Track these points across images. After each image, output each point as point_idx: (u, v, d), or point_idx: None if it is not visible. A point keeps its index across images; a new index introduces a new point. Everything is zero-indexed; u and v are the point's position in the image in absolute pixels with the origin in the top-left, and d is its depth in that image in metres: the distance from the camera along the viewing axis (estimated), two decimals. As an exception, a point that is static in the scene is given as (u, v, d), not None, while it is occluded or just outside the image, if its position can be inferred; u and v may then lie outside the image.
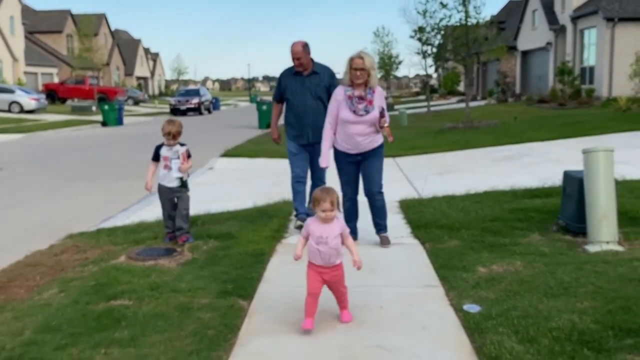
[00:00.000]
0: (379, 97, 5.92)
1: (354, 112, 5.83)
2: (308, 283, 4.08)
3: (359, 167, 6.15)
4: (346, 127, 5.93)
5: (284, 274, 5.45)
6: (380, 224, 6.29)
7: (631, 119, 17.19)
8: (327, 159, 6.16)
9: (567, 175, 6.57)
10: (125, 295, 4.90)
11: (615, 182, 6.08)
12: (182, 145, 6.33)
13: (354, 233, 5.94)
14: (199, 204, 7.85)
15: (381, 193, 6.21)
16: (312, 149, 6.86)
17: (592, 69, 28.72)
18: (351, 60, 5.80)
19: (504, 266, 5.29)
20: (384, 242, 6.17)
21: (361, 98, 5.83)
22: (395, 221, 7.07)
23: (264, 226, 7.06)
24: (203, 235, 6.67)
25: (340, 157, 6.15)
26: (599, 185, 5.88)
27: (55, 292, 5.09)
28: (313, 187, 6.81)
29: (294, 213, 7.18)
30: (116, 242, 6.72)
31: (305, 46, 6.75)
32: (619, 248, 5.69)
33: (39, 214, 9.30)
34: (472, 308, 4.39)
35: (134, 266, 5.73)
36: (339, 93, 5.99)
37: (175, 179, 6.30)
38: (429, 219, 6.94)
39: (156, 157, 6.37)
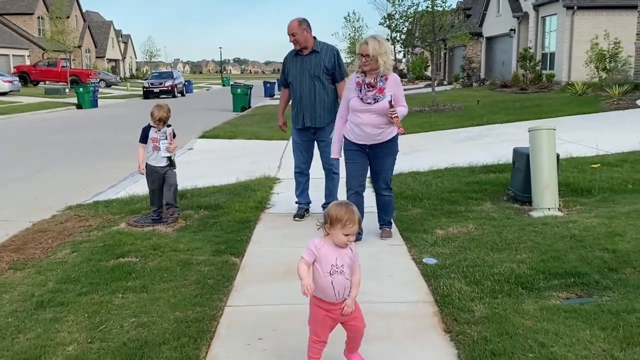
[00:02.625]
0: (393, 85, 5.40)
1: (362, 99, 5.38)
2: (314, 326, 3.16)
3: (369, 158, 5.65)
4: (355, 116, 5.47)
5: (269, 237, 6.10)
6: (384, 219, 5.96)
7: (585, 102, 17.92)
8: (338, 150, 5.79)
9: (516, 151, 7.24)
10: (132, 254, 5.48)
11: (557, 156, 6.84)
12: (168, 126, 6.46)
13: (359, 234, 5.40)
14: (185, 180, 8.40)
15: (389, 189, 5.83)
16: (314, 135, 6.59)
17: (552, 55, 29.22)
18: (359, 45, 5.43)
19: (458, 228, 5.98)
20: (385, 235, 5.87)
21: (371, 85, 5.36)
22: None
23: (248, 198, 7.64)
24: (193, 206, 7.22)
25: (347, 145, 5.66)
26: (542, 160, 6.55)
27: (69, 252, 5.66)
28: (326, 177, 6.72)
29: (296, 201, 6.90)
30: (114, 212, 7.23)
31: (302, 22, 6.33)
32: (559, 213, 6.40)
33: (31, 190, 9.60)
34: (429, 261, 5.09)
35: (134, 231, 6.31)
36: (351, 79, 5.58)
37: (163, 158, 6.38)
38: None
39: (144, 139, 6.42)
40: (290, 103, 6.82)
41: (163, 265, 5.18)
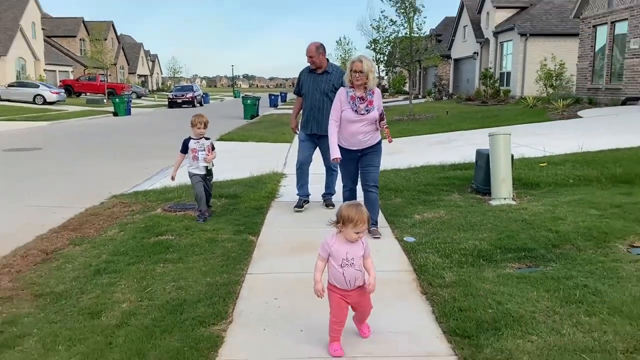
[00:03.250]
0: (378, 98, 5.37)
1: (356, 111, 5.27)
2: (332, 309, 3.09)
3: (360, 159, 5.55)
4: (349, 125, 5.34)
5: (279, 220, 6.21)
6: (372, 219, 5.38)
7: (535, 113, 17.98)
8: (337, 151, 5.48)
9: (479, 152, 7.32)
10: (168, 233, 5.58)
11: (512, 156, 6.98)
12: (207, 139, 6.13)
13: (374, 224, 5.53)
14: None
15: (376, 187, 5.63)
16: (319, 141, 6.56)
17: (508, 74, 29.43)
18: (352, 63, 5.29)
19: (432, 214, 6.11)
20: (374, 234, 5.44)
21: (362, 99, 5.27)
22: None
23: (260, 189, 7.74)
24: (216, 196, 7.24)
25: (342, 153, 5.47)
26: (499, 159, 6.65)
27: (117, 232, 5.75)
28: (327, 173, 6.77)
29: (296, 193, 6.83)
30: (151, 200, 7.27)
31: (319, 47, 6.38)
32: (513, 202, 6.50)
33: (80, 182, 9.56)
34: (409, 239, 5.22)
35: (169, 215, 6.39)
36: (342, 93, 5.40)
37: (202, 167, 6.07)
38: (381, 185, 7.58)
39: (184, 150, 6.10)
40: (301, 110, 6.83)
41: (194, 242, 5.28)
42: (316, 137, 6.57)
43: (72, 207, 7.14)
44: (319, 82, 6.45)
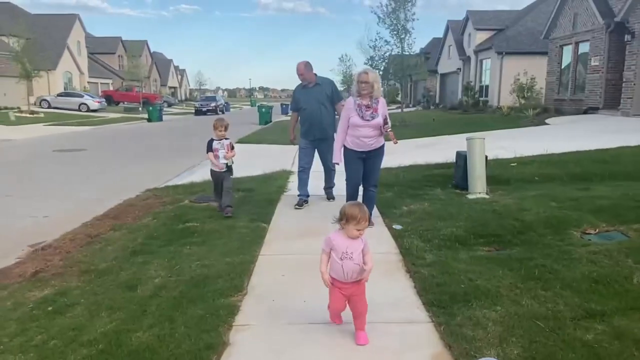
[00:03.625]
0: (382, 106, 5.23)
1: (362, 117, 5.15)
2: (331, 300, 3.01)
3: (364, 162, 5.40)
4: (356, 130, 5.22)
5: (288, 212, 6.23)
6: (368, 211, 5.62)
7: (509, 121, 17.93)
8: (339, 156, 5.45)
9: (458, 153, 7.34)
10: (194, 221, 5.66)
11: (486, 157, 7.02)
12: (226, 139, 6.02)
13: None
14: None
15: (375, 186, 5.56)
16: (318, 144, 6.49)
17: (487, 86, 29.25)
18: (358, 75, 5.26)
19: (417, 205, 6.13)
20: (369, 224, 5.27)
21: (368, 107, 5.15)
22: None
23: (272, 184, 7.84)
24: (236, 189, 7.38)
25: (349, 153, 5.37)
26: (475, 159, 6.68)
27: (150, 219, 5.86)
28: (326, 172, 6.67)
29: (297, 194, 6.64)
30: (180, 193, 7.37)
31: (307, 65, 6.36)
32: (486, 196, 6.50)
33: (119, 178, 9.63)
34: (397, 227, 5.28)
35: (195, 206, 6.49)
36: (349, 102, 5.27)
37: (222, 164, 5.91)
38: None
39: (210, 149, 5.94)
40: (298, 122, 6.69)
41: (215, 228, 5.36)
42: (317, 142, 6.49)
43: (112, 199, 7.20)
44: (313, 94, 6.37)
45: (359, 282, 2.93)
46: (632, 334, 2.70)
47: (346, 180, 5.56)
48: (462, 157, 7.15)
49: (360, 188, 5.58)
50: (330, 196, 6.80)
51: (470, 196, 6.58)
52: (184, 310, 3.31)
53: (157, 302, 3.44)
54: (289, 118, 6.79)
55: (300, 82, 6.48)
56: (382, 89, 5.43)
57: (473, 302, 3.27)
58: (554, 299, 3.23)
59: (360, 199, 5.49)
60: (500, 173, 7.91)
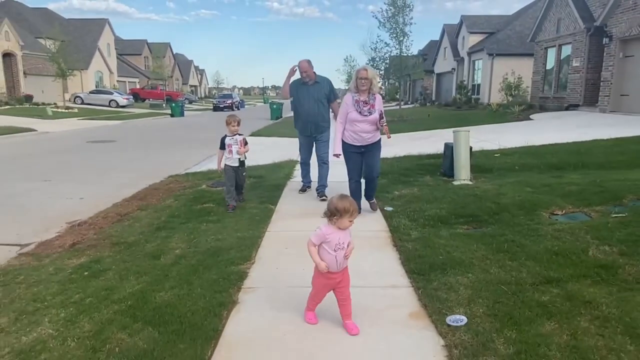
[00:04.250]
0: (379, 102, 5.07)
1: (360, 112, 4.99)
2: (314, 289, 2.88)
3: (362, 156, 5.23)
4: (353, 125, 5.05)
5: (292, 196, 6.38)
6: (371, 195, 5.49)
7: (497, 116, 17.90)
8: (339, 148, 5.20)
9: (446, 145, 7.42)
10: (210, 202, 5.83)
11: (470, 148, 7.11)
12: (240, 135, 5.71)
13: (359, 208, 5.09)
14: None
15: (377, 177, 5.42)
16: (314, 139, 6.27)
17: (478, 85, 29.08)
18: (357, 72, 5.05)
19: (408, 190, 6.26)
20: (373, 207, 5.47)
21: (365, 102, 4.98)
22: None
23: (279, 172, 7.98)
24: (248, 176, 7.50)
25: (348, 148, 5.18)
26: (460, 150, 6.80)
27: (172, 201, 6.02)
28: (320, 166, 6.31)
29: (301, 180, 6.65)
30: (199, 179, 7.54)
31: (309, 62, 6.07)
32: (470, 183, 6.60)
33: (145, 166, 9.76)
34: (388, 208, 5.41)
35: (212, 190, 6.65)
36: (348, 98, 5.08)
37: (235, 159, 5.60)
38: None
39: (222, 146, 5.63)
40: (293, 113, 6.46)
41: (229, 209, 5.55)
42: (312, 138, 6.26)
43: (139, 184, 7.37)
44: (312, 92, 6.07)
45: (345, 269, 2.84)
46: (582, 296, 2.86)
47: (348, 175, 5.35)
48: (449, 148, 7.25)
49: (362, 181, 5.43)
50: (322, 194, 6.18)
51: (455, 182, 6.70)
52: (200, 275, 3.51)
53: (177, 269, 3.64)
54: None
55: (299, 78, 6.14)
56: (379, 85, 5.23)
57: (448, 271, 3.43)
58: (518, 268, 3.39)
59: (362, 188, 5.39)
60: (484, 162, 7.99)
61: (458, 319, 2.75)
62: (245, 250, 4.05)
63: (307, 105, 6.09)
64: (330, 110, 6.25)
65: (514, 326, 2.60)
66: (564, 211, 4.76)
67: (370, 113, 5.00)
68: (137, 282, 3.40)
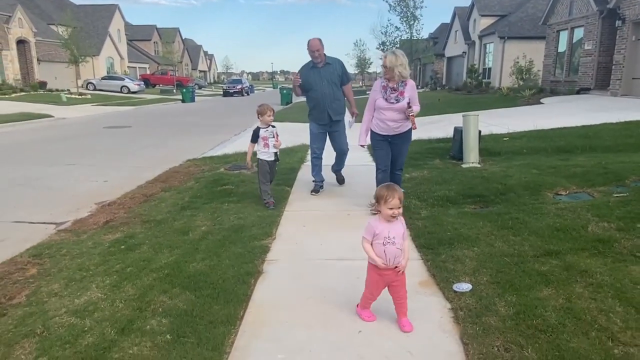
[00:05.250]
0: (410, 89, 4.67)
1: (386, 100, 4.66)
2: (368, 286, 2.73)
3: (390, 145, 4.87)
4: (380, 112, 4.75)
5: (307, 178, 6.50)
6: None
7: (508, 100, 17.88)
8: (364, 139, 4.94)
9: (455, 129, 7.64)
10: (229, 184, 6.11)
11: (479, 132, 7.32)
12: (273, 126, 5.17)
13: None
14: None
15: (401, 170, 5.10)
16: (330, 128, 5.72)
17: (489, 69, 28.94)
18: (383, 57, 4.72)
19: (418, 173, 6.50)
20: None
21: (394, 89, 4.63)
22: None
23: (293, 156, 8.25)
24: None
25: (375, 136, 4.89)
26: (469, 133, 7.00)
27: (193, 183, 6.32)
28: (336, 156, 5.96)
29: (312, 179, 6.01)
30: (216, 162, 7.83)
31: (321, 41, 5.50)
32: (478, 165, 6.83)
33: (162, 150, 10.06)
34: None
35: (229, 173, 6.94)
36: (377, 84, 4.82)
37: (272, 153, 5.14)
38: None
39: (255, 139, 5.11)
40: (307, 102, 5.84)
41: (247, 190, 5.82)
42: (328, 126, 5.71)
43: (159, 168, 7.68)
44: (324, 74, 5.51)
45: (399, 270, 2.65)
46: (579, 266, 3.13)
47: (376, 165, 5.05)
48: (458, 132, 7.46)
49: None
50: (340, 178, 6.09)
51: (464, 165, 6.92)
52: (227, 248, 3.82)
53: (205, 243, 3.96)
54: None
55: (310, 61, 5.59)
56: (409, 70, 4.71)
57: (455, 245, 3.71)
58: (521, 242, 3.65)
59: None
60: (493, 146, 8.19)
61: (464, 286, 3.04)
62: (266, 227, 4.36)
63: (320, 89, 5.52)
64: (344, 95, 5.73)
65: (514, 292, 2.88)
66: (567, 191, 4.99)
67: (398, 101, 4.63)
68: (171, 254, 3.73)
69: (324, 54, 5.55)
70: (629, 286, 2.80)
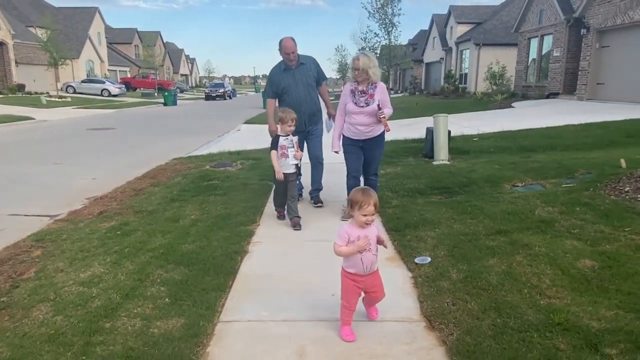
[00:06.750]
0: (380, 92, 4.50)
1: (356, 103, 4.49)
2: (344, 294, 2.57)
3: (362, 151, 4.68)
4: (350, 117, 4.56)
5: None
6: None
7: (481, 104, 18.62)
8: (337, 144, 4.74)
9: (427, 129, 8.15)
10: (215, 179, 6.46)
11: (449, 131, 7.84)
12: (294, 135, 4.60)
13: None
14: (239, 146, 9.44)
15: (376, 175, 4.87)
16: (307, 134, 5.18)
17: (466, 74, 29.78)
18: (352, 61, 4.57)
19: (392, 169, 6.94)
20: None
21: (363, 92, 4.48)
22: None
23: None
24: (246, 158, 8.23)
25: (346, 141, 4.70)
26: (440, 132, 7.50)
27: (180, 179, 6.64)
28: (312, 167, 5.37)
29: None
30: (202, 160, 8.16)
31: (294, 40, 4.99)
32: (448, 163, 7.31)
33: (147, 151, 10.27)
34: None
35: (215, 170, 7.28)
36: (346, 88, 4.63)
37: (291, 165, 4.56)
38: None
39: (275, 147, 4.54)
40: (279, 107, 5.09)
41: (232, 185, 6.18)
42: (305, 133, 5.16)
43: (146, 166, 7.92)
44: (298, 76, 5.06)
45: (376, 273, 2.59)
46: (522, 242, 3.62)
47: (347, 170, 4.81)
48: (430, 132, 7.97)
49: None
50: (317, 201, 5.34)
51: (434, 162, 7.41)
52: (215, 233, 4.22)
53: (195, 229, 4.35)
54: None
55: (282, 62, 5.08)
56: (380, 72, 4.59)
57: (420, 227, 4.18)
58: (476, 224, 4.14)
59: None
60: (463, 145, 8.73)
61: (424, 259, 3.51)
62: (251, 216, 4.77)
63: (295, 93, 5.05)
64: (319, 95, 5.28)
65: (465, 262, 3.36)
66: (523, 183, 5.53)
67: (368, 104, 4.47)
68: (164, 238, 4.11)
69: (297, 54, 5.02)
70: (561, 255, 3.31)
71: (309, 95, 5.10)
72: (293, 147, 4.54)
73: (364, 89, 4.51)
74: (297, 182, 4.87)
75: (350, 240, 2.47)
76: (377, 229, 2.59)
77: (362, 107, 4.50)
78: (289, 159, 4.54)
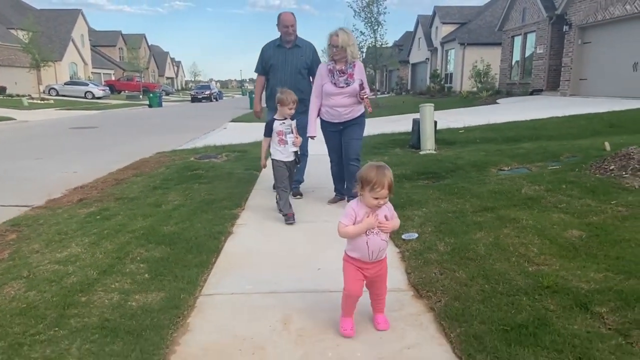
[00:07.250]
0: (359, 71, 4.24)
1: (335, 84, 4.21)
2: (347, 282, 2.27)
3: (342, 133, 4.41)
4: (329, 98, 4.28)
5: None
6: (350, 189, 4.46)
7: (466, 101, 18.87)
8: (314, 129, 4.43)
9: (414, 120, 8.18)
10: (200, 170, 6.35)
11: (435, 122, 7.87)
12: (292, 119, 4.14)
13: (340, 194, 4.72)
14: (225, 141, 9.34)
15: (357, 160, 4.44)
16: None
17: (451, 74, 30.10)
18: (329, 37, 4.21)
19: (379, 159, 6.84)
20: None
21: (342, 72, 4.19)
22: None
23: (259, 148, 8.54)
24: (232, 151, 8.12)
25: (325, 126, 4.45)
26: (426, 122, 7.55)
27: (164, 169, 6.55)
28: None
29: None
30: (186, 153, 8.07)
31: (294, 15, 4.64)
32: (435, 152, 7.33)
33: (131, 147, 10.08)
34: None
35: (199, 161, 7.18)
36: (322, 67, 4.34)
37: (291, 153, 4.16)
38: None
39: (269, 133, 4.17)
40: (266, 93, 5.05)
41: (218, 174, 6.08)
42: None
43: (129, 160, 7.81)
44: (290, 58, 4.74)
45: (382, 260, 2.29)
46: (508, 217, 3.59)
47: (329, 157, 4.65)
48: (416, 123, 7.99)
49: None
50: (297, 192, 5.04)
51: (421, 152, 7.42)
52: (199, 216, 4.12)
53: (178, 212, 4.24)
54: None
55: (277, 38, 4.79)
56: (358, 51, 4.34)
57: (407, 207, 4.14)
58: (463, 203, 4.11)
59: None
60: (450, 137, 8.78)
61: (411, 235, 3.46)
62: (236, 200, 4.68)
63: (281, 74, 4.72)
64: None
65: (452, 236, 3.32)
66: (509, 167, 5.53)
67: (348, 84, 4.20)
68: (145, 221, 3.99)
69: (297, 35, 4.72)
70: (548, 226, 3.28)
71: (295, 80, 4.72)
72: (292, 132, 4.09)
73: (343, 68, 4.22)
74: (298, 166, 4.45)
75: (358, 221, 2.15)
76: (389, 206, 2.24)
77: (342, 87, 4.22)
78: (288, 145, 4.09)
